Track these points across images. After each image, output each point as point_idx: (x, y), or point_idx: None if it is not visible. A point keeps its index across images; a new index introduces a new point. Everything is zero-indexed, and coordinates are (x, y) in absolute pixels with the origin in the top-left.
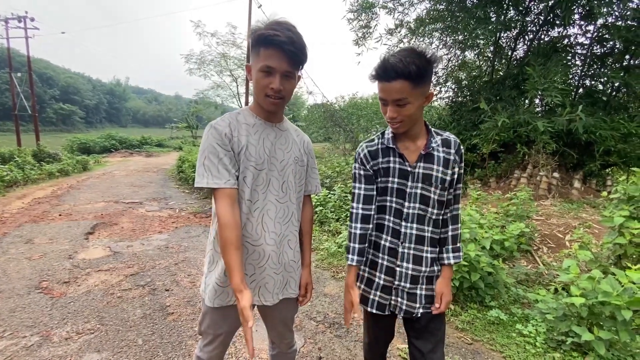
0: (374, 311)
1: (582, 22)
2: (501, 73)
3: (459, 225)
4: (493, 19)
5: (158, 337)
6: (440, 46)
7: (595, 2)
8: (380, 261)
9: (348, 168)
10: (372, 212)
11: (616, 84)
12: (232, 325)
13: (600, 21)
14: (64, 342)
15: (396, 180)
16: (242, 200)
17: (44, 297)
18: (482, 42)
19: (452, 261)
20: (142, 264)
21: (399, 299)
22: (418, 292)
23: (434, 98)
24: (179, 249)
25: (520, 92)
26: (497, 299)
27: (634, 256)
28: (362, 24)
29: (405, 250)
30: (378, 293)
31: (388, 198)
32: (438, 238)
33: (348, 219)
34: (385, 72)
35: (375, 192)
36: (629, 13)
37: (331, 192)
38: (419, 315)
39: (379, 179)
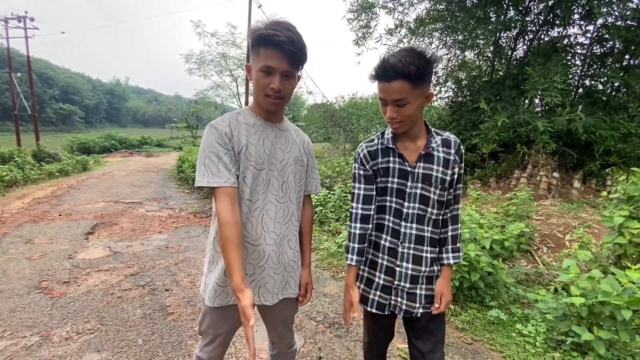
0: (374, 311)
1: (582, 22)
2: (501, 73)
3: (459, 225)
4: (493, 19)
5: (158, 337)
6: (440, 46)
7: (595, 2)
8: (380, 261)
9: (348, 168)
10: (372, 212)
11: (616, 84)
12: (232, 325)
13: (600, 21)
14: (64, 342)
15: (396, 180)
16: (242, 200)
17: (44, 297)
18: (482, 42)
19: (451, 261)
20: (142, 264)
21: (399, 299)
22: (418, 292)
23: (434, 98)
24: (179, 249)
25: (520, 92)
26: (497, 299)
27: (634, 256)
28: (362, 24)
29: (405, 250)
30: (378, 293)
31: (388, 198)
32: (438, 238)
33: (348, 218)
34: (384, 72)
35: (374, 192)
36: (628, 13)
37: (331, 192)
38: (419, 315)
39: (379, 179)
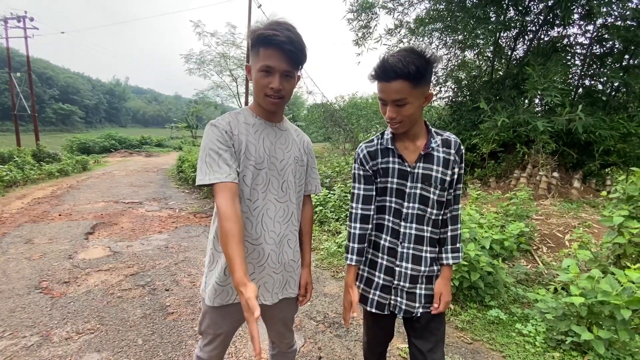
0: (374, 310)
1: (582, 22)
2: (501, 73)
3: (459, 225)
4: (493, 19)
5: (158, 337)
6: (440, 46)
7: (595, 2)
8: (379, 261)
9: (348, 168)
10: (372, 212)
11: (616, 84)
12: (232, 325)
13: (599, 21)
14: (64, 342)
15: (395, 180)
16: (242, 200)
17: (44, 297)
18: (481, 42)
19: (451, 261)
20: (142, 264)
21: (399, 299)
22: (417, 291)
23: (434, 98)
24: (179, 248)
25: (520, 92)
26: (497, 299)
27: (633, 256)
28: (362, 24)
29: (405, 250)
30: (377, 292)
31: (387, 198)
32: (437, 238)
33: (347, 218)
34: (384, 72)
35: (374, 193)
36: (628, 13)
37: (331, 192)
38: (419, 314)
39: (379, 179)
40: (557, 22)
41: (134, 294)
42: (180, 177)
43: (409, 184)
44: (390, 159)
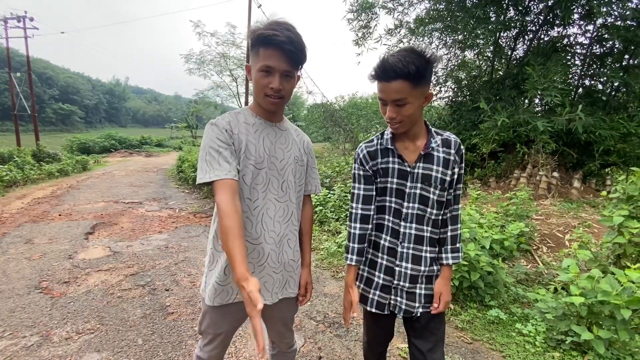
0: (374, 310)
1: (582, 22)
2: (501, 73)
3: (459, 225)
4: (493, 19)
5: (158, 337)
6: (440, 46)
7: (595, 2)
8: (379, 261)
9: (348, 168)
10: (372, 212)
11: (616, 84)
12: (232, 325)
13: (599, 21)
14: (64, 342)
15: (395, 180)
16: (242, 199)
17: (44, 297)
18: (481, 41)
19: (450, 261)
20: (142, 264)
21: (398, 298)
22: (417, 291)
23: (434, 98)
24: (179, 248)
25: (520, 92)
26: (497, 299)
27: (633, 255)
28: (362, 24)
29: (404, 250)
30: (377, 292)
31: (387, 198)
32: (437, 238)
33: (347, 218)
34: (384, 72)
35: (374, 193)
36: (628, 13)
37: (331, 191)
38: (419, 314)
39: (378, 179)
40: (557, 22)
41: (134, 294)
42: (180, 177)
43: (408, 184)
44: (390, 159)
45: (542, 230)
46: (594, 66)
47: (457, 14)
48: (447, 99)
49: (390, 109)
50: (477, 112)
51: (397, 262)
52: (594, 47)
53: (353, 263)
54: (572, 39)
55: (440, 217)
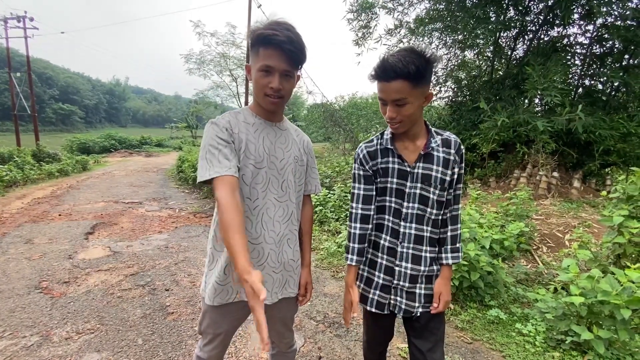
0: (374, 310)
1: (582, 22)
2: (501, 73)
3: (459, 225)
4: (493, 19)
5: (158, 337)
6: (440, 46)
7: (595, 2)
8: (379, 260)
9: (348, 168)
10: (372, 212)
11: (615, 84)
12: (232, 324)
13: (599, 21)
14: (64, 342)
15: (395, 180)
16: (242, 199)
17: (44, 297)
18: (481, 41)
19: (450, 261)
20: (142, 264)
21: (398, 298)
22: (417, 291)
23: (434, 98)
24: (179, 248)
25: (520, 92)
26: (497, 299)
27: (633, 255)
28: (361, 24)
29: (404, 250)
30: (377, 292)
31: (387, 198)
32: (437, 238)
33: (347, 218)
34: (384, 72)
35: (374, 193)
36: (628, 13)
37: (331, 191)
38: (419, 314)
39: (378, 179)
40: (557, 22)
41: (134, 294)
42: (180, 177)
43: (408, 183)
44: (390, 159)
45: (542, 230)
46: (594, 66)
47: (457, 14)
48: (447, 99)
49: (390, 109)
50: (477, 112)
51: (397, 262)
52: (594, 47)
53: (353, 263)
54: (572, 39)
55: (440, 217)
